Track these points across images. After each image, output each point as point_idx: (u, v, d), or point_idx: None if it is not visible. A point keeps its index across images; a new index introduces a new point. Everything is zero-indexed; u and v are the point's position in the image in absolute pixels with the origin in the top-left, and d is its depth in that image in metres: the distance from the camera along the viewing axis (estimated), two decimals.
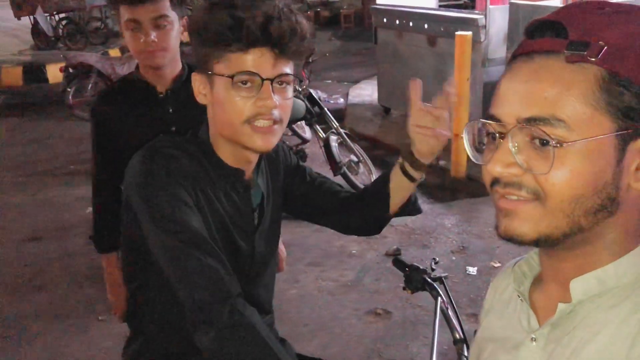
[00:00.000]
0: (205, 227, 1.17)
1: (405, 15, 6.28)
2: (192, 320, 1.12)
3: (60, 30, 13.38)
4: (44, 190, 5.43)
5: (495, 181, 0.71)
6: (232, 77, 1.12)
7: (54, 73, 9.96)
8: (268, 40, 1.11)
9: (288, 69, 1.17)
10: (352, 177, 4.80)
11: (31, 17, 13.44)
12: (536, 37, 0.71)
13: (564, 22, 0.68)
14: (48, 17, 13.45)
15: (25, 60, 11.14)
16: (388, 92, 6.86)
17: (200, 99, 1.21)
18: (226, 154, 1.23)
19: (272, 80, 1.14)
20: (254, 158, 1.27)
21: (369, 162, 5.11)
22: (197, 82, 1.20)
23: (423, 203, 4.76)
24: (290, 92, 1.20)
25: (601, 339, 0.69)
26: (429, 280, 1.54)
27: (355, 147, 5.06)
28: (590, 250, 0.71)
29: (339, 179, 4.85)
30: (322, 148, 4.77)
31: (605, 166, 0.66)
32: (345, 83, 9.39)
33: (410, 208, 1.41)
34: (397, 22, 6.39)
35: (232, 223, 1.26)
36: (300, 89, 4.86)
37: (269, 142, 1.18)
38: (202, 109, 1.31)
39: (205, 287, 1.11)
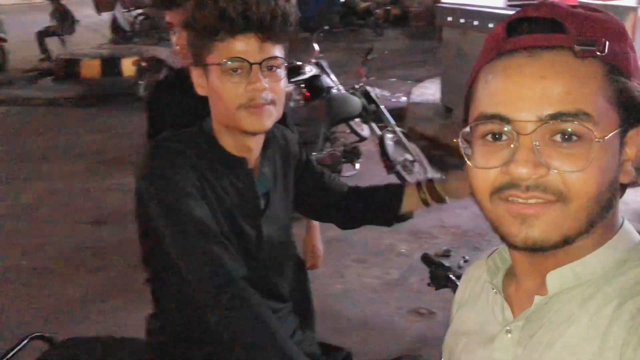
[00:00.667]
0: (211, 216, 1.24)
1: (470, 13, 6.17)
2: (200, 303, 1.19)
3: (137, 26, 13.97)
4: (111, 177, 5.71)
5: (507, 185, 0.67)
6: (221, 64, 1.19)
7: (128, 66, 10.41)
8: (250, 25, 1.17)
9: (276, 52, 1.22)
10: (406, 176, 4.77)
11: (110, 13, 14.13)
12: (523, 33, 0.70)
13: (559, 19, 0.68)
14: (125, 13, 14.09)
15: (103, 53, 11.69)
16: (451, 92, 6.75)
17: (200, 91, 1.28)
18: (228, 143, 1.29)
19: (260, 64, 1.19)
20: (255, 145, 1.32)
21: (425, 161, 5.05)
22: (195, 76, 1.27)
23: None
24: (281, 74, 1.24)
25: (574, 332, 0.68)
26: (452, 277, 1.53)
27: (412, 146, 5.02)
28: (576, 245, 0.70)
29: (392, 178, 4.85)
30: (377, 146, 4.78)
31: (614, 160, 0.68)
32: (409, 82, 9.31)
33: (408, 217, 1.55)
34: (462, 20, 6.28)
35: (237, 210, 1.31)
36: (356, 86, 4.89)
37: (264, 123, 1.23)
38: None
39: (208, 272, 1.18)
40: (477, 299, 0.86)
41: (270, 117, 1.24)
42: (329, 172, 1.59)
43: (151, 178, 1.23)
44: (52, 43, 12.81)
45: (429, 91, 8.16)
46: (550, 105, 0.65)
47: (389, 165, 4.66)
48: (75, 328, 3.27)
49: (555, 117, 0.65)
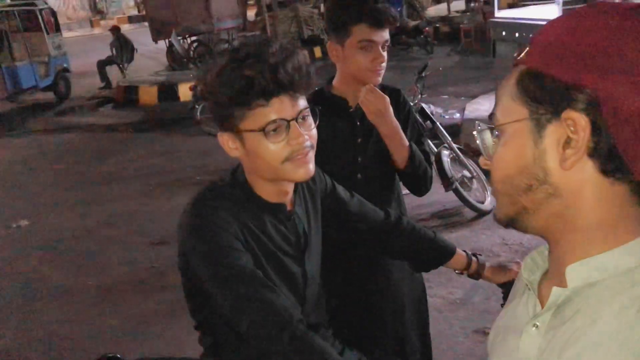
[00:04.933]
0: (256, 264, 1.26)
1: (524, 27, 6.08)
2: (261, 350, 1.20)
3: (192, 52, 14.40)
4: (172, 198, 5.86)
5: None
6: (262, 130, 1.20)
7: (184, 92, 10.74)
8: (281, 88, 1.19)
9: (303, 101, 1.25)
10: (465, 193, 4.70)
11: (166, 40, 14.61)
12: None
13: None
14: (181, 40, 14.54)
15: (160, 80, 12.09)
16: None
17: (233, 153, 1.29)
18: (266, 191, 1.32)
19: (296, 119, 1.22)
20: (291, 188, 1.36)
21: (483, 178, 4.97)
22: (226, 139, 1.27)
23: None
24: (311, 120, 1.28)
25: (597, 330, 0.69)
26: None
27: (469, 162, 4.94)
28: (575, 239, 0.74)
29: (450, 195, 4.79)
30: (434, 163, 4.72)
31: (523, 148, 0.73)
32: (463, 98, 9.20)
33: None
34: (517, 35, 6.21)
35: (282, 252, 1.34)
36: (411, 104, 4.86)
37: (309, 170, 1.28)
38: None
39: (263, 320, 1.19)
40: (520, 296, 0.89)
41: (312, 161, 1.29)
42: (359, 197, 1.63)
43: (193, 237, 1.26)
44: (112, 71, 13.35)
45: (483, 107, 8.04)
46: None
47: (447, 183, 4.59)
48: (141, 347, 3.35)
49: (489, 116, 0.80)
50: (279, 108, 1.20)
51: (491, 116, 0.79)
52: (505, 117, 0.75)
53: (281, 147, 1.23)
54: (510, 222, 0.79)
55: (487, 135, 0.80)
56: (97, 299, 4.00)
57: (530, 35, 0.78)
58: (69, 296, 4.08)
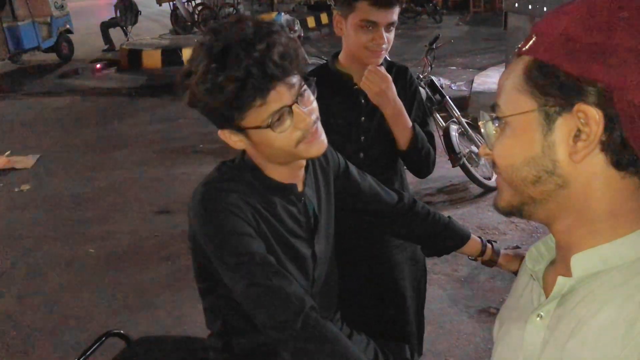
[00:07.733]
0: (268, 249, 1.23)
1: (539, 0, 5.91)
2: (272, 339, 1.18)
3: (196, 16, 14.15)
4: (175, 166, 5.80)
5: None
6: (269, 125, 1.15)
7: (188, 56, 10.54)
8: (275, 79, 1.12)
9: (296, 80, 1.18)
10: (472, 169, 4.63)
11: (171, 3, 14.35)
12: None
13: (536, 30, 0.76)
14: (185, 3, 14.29)
15: (164, 44, 11.90)
16: None
17: (238, 145, 1.25)
18: (277, 173, 1.29)
19: (297, 101, 1.17)
20: (303, 166, 1.35)
21: None
22: (227, 135, 1.23)
23: None
24: (309, 93, 1.22)
25: (601, 318, 0.69)
26: None
27: (477, 137, 4.86)
28: (582, 229, 0.73)
29: (457, 171, 4.71)
30: (441, 138, 4.63)
31: (531, 140, 0.72)
32: (471, 70, 9.07)
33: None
34: (530, 6, 6.03)
35: (292, 235, 1.31)
36: (421, 76, 4.75)
37: (322, 144, 1.24)
38: None
39: (275, 308, 1.16)
40: (524, 287, 0.89)
41: (323, 132, 1.25)
42: (373, 178, 1.59)
43: (204, 221, 1.22)
44: (115, 34, 13.14)
45: (492, 79, 7.92)
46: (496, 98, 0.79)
47: (454, 158, 4.51)
48: (143, 319, 3.33)
49: (491, 107, 0.78)
50: (278, 97, 1.14)
51: (493, 106, 0.77)
52: (511, 108, 0.74)
53: (290, 132, 1.19)
54: (513, 211, 0.79)
55: (490, 124, 0.78)
56: (98, 268, 3.97)
57: (534, 24, 0.75)
58: (70, 264, 4.05)
